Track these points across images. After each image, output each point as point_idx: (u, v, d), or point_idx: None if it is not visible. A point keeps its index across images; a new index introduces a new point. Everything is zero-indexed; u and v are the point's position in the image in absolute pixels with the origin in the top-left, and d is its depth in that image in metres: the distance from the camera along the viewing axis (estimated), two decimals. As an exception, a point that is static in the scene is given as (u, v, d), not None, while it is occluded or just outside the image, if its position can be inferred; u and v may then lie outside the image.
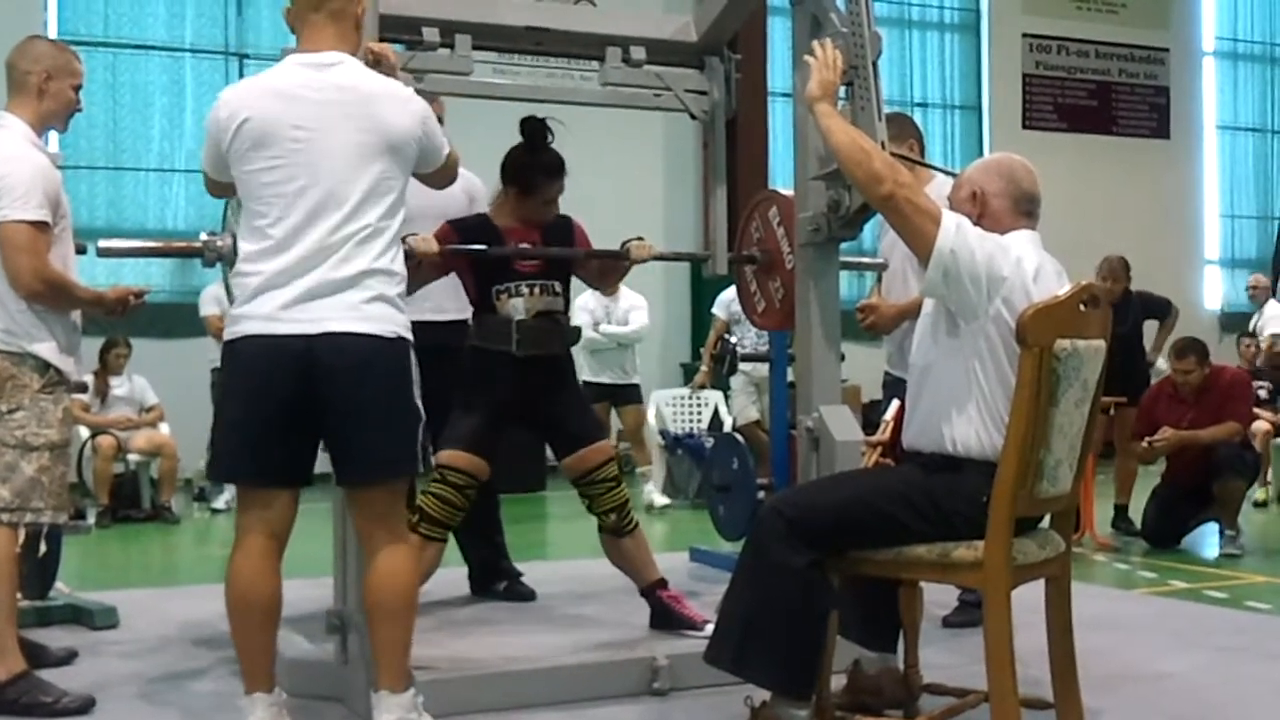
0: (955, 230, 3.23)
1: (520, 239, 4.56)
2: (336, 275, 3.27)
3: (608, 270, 4.89)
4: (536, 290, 4.54)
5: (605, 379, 9.37)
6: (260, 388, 3.29)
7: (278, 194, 3.29)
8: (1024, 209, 3.41)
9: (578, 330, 4.68)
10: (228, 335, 3.36)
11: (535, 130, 4.54)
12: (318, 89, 3.33)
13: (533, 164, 4.53)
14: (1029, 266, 3.25)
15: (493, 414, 4.47)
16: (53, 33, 10.73)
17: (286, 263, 3.27)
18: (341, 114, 3.32)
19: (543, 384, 4.55)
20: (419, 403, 3.39)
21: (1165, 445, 7.23)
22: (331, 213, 3.28)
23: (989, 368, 3.24)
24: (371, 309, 3.30)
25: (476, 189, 5.19)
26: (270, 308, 3.26)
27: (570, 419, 4.62)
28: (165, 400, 9.61)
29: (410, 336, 3.41)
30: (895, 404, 3.95)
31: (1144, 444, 7.33)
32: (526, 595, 5.31)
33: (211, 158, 3.45)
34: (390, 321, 3.34)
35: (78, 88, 4.20)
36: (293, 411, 3.28)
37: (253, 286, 3.30)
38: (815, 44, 3.76)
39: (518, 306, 4.50)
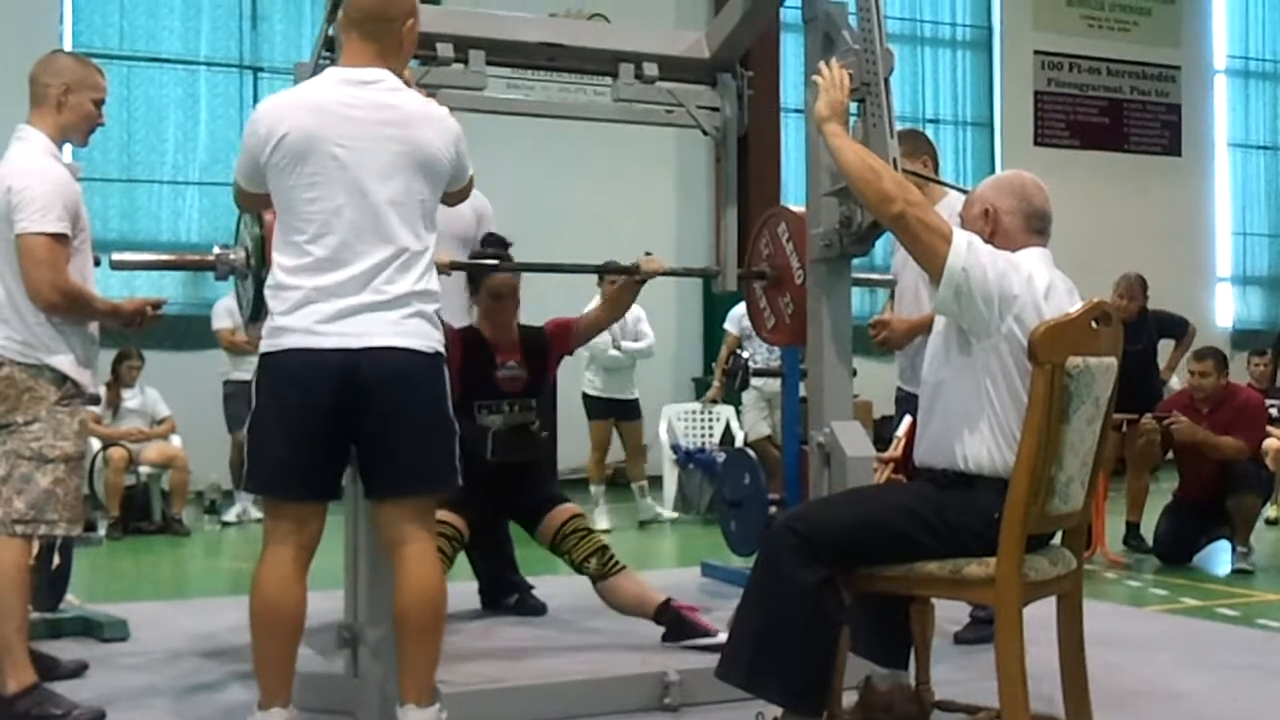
0: (966, 248, 3.24)
1: (504, 355, 4.94)
2: (378, 297, 3.30)
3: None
4: (516, 408, 4.89)
5: (613, 394, 9.23)
6: (302, 402, 3.29)
7: (317, 211, 3.30)
8: (1036, 226, 3.41)
9: (547, 438, 5.06)
10: (267, 347, 3.35)
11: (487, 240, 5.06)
12: (357, 106, 3.34)
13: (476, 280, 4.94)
14: (1040, 284, 3.26)
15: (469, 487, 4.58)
16: (68, 45, 10.78)
17: (328, 281, 3.28)
18: (381, 134, 3.33)
19: (510, 475, 4.84)
20: (453, 417, 3.42)
21: (1180, 429, 7.23)
22: (371, 235, 3.30)
23: (1001, 385, 3.24)
24: (411, 324, 3.33)
25: (485, 209, 5.21)
26: (311, 321, 3.27)
27: (534, 494, 4.89)
28: (177, 413, 9.62)
29: (445, 353, 3.44)
30: (907, 420, 3.95)
31: (1151, 417, 7.38)
32: (538, 609, 5.32)
33: (247, 169, 3.43)
34: (429, 337, 3.37)
35: (99, 102, 4.20)
36: (332, 426, 3.30)
37: (294, 300, 3.30)
38: (822, 64, 3.79)
39: (495, 421, 4.85)
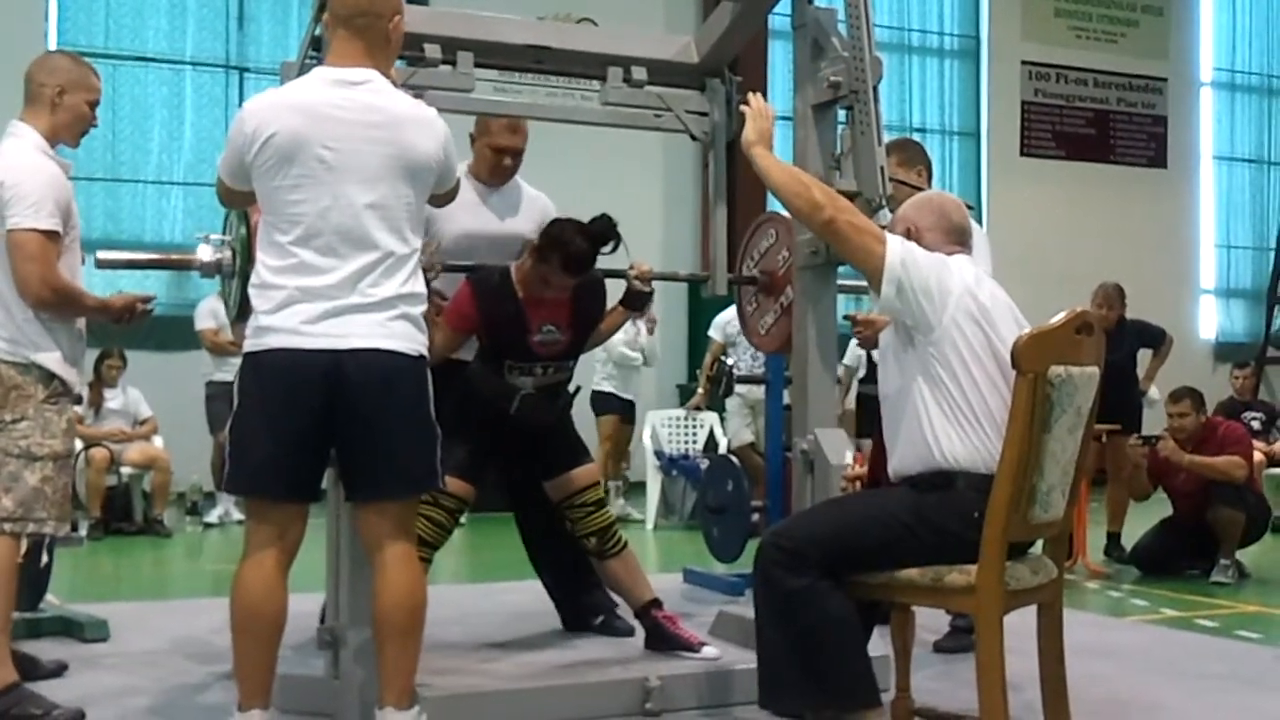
0: (901, 245, 3.39)
1: (544, 316, 4.40)
2: (364, 300, 3.29)
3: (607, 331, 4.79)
4: (551, 370, 4.49)
5: (629, 394, 9.97)
6: (286, 402, 3.28)
7: (303, 213, 3.29)
8: (955, 239, 3.56)
9: (575, 393, 4.68)
10: (250, 346, 3.34)
11: (599, 224, 4.35)
12: (345, 108, 3.33)
13: (559, 243, 4.27)
14: (969, 274, 3.40)
15: (482, 440, 4.47)
16: (53, 44, 10.73)
17: (314, 283, 3.28)
18: (369, 136, 3.32)
19: (532, 431, 4.54)
20: (435, 419, 3.42)
21: (1164, 447, 7.27)
22: (357, 238, 3.30)
23: (959, 377, 3.31)
24: (396, 326, 3.32)
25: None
26: (296, 321, 3.27)
27: (556, 446, 4.61)
28: (159, 413, 9.60)
29: (429, 355, 3.45)
30: (851, 454, 3.98)
31: (1136, 438, 7.48)
32: (625, 631, 4.85)
33: (231, 166, 3.42)
34: (413, 340, 3.36)
35: (93, 104, 4.20)
36: (315, 426, 3.29)
37: (278, 299, 3.29)
38: (751, 94, 3.90)
39: (526, 383, 4.45)
